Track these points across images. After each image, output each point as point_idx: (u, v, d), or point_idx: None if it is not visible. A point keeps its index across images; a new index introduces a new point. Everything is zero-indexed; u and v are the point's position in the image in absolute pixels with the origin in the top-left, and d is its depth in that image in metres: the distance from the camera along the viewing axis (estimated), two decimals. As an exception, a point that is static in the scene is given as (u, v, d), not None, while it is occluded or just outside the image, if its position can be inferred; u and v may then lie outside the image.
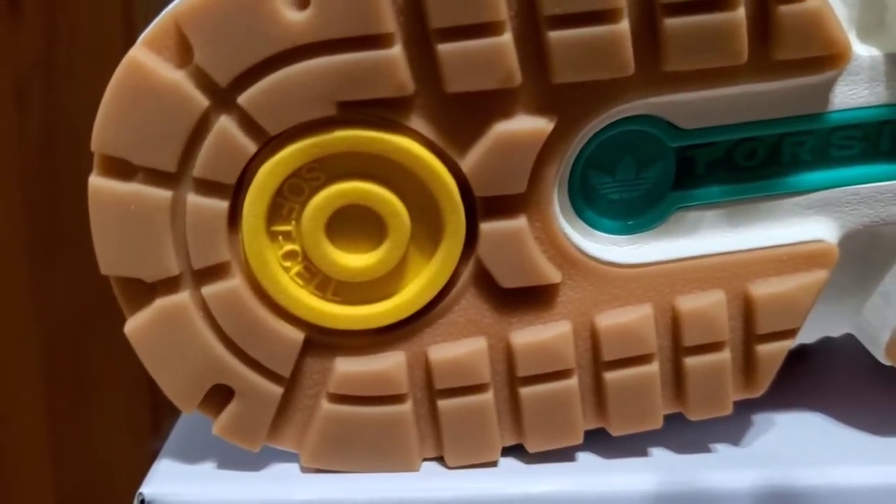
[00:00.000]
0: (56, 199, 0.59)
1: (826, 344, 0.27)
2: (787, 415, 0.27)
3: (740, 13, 0.21)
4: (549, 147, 0.22)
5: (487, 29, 0.21)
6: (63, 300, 0.59)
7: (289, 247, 0.23)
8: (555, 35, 0.21)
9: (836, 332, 0.26)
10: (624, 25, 0.21)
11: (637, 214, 0.24)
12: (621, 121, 0.23)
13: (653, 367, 0.24)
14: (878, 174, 0.24)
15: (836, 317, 0.26)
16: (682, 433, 0.25)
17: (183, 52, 0.21)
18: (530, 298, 0.23)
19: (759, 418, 0.27)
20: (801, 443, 0.25)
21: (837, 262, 0.24)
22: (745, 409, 0.26)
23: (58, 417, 0.61)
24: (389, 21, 0.21)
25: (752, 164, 0.24)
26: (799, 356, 0.27)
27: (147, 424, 0.59)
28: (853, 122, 0.23)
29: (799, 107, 0.23)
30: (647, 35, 0.21)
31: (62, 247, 0.60)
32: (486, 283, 0.23)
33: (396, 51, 0.21)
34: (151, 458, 0.25)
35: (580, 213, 0.24)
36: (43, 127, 0.59)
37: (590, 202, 0.24)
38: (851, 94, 0.23)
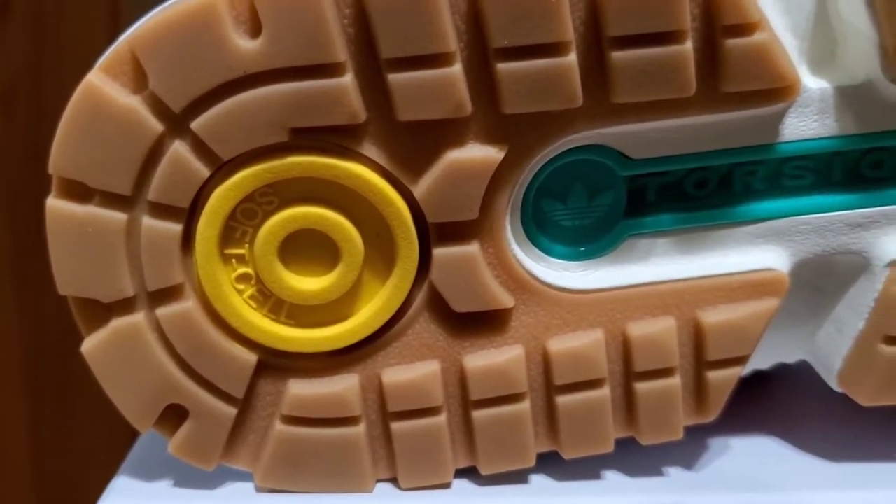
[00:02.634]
0: (42, 206, 0.59)
1: (785, 369, 0.28)
2: (742, 439, 0.27)
3: (687, 47, 0.21)
4: (501, 175, 0.22)
5: (437, 60, 0.21)
6: (47, 308, 0.59)
7: (242, 270, 0.23)
8: (504, 67, 0.21)
9: (790, 358, 0.27)
10: (572, 58, 0.21)
11: (589, 241, 0.24)
12: (573, 150, 0.23)
13: (604, 392, 0.24)
14: (829, 204, 0.24)
15: (791, 344, 0.26)
16: (636, 457, 0.25)
17: (138, 78, 0.21)
18: (484, 322, 0.24)
19: (714, 442, 0.27)
20: (754, 468, 0.26)
21: (790, 290, 0.25)
22: (700, 433, 0.26)
23: (40, 426, 0.61)
24: (341, 50, 0.21)
25: (704, 192, 0.24)
26: (758, 380, 0.28)
27: (128, 434, 0.59)
28: (804, 153, 0.24)
29: (749, 138, 0.23)
30: (596, 67, 0.21)
31: (47, 254, 0.60)
32: (439, 307, 0.23)
33: (348, 79, 0.21)
34: None
35: (533, 240, 0.24)
36: (29, 133, 0.59)
37: (543, 229, 0.24)
38: (802, 125, 0.23)
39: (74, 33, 0.58)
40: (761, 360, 0.27)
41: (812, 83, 0.23)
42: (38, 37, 0.58)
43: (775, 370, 0.28)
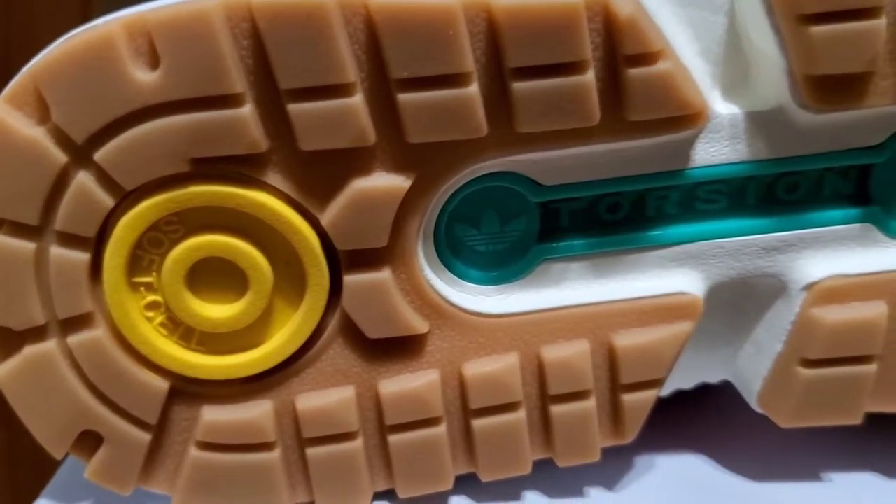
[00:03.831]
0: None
1: (710, 387, 0.28)
2: (666, 458, 0.27)
3: (589, 76, 0.21)
4: (410, 202, 0.22)
5: (337, 90, 0.21)
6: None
7: (151, 297, 0.23)
8: (405, 97, 0.21)
9: (713, 378, 0.27)
10: (473, 89, 0.21)
11: (503, 266, 0.24)
12: (483, 177, 0.23)
13: (519, 415, 0.24)
14: (743, 228, 0.24)
15: (712, 364, 0.26)
16: (556, 477, 0.26)
17: (42, 109, 0.21)
18: (398, 348, 0.24)
19: (639, 461, 0.27)
20: (679, 487, 0.26)
21: (709, 312, 0.25)
22: (626, 453, 0.26)
23: (12, 425, 0.61)
24: (238, 81, 0.21)
25: (616, 217, 0.24)
26: (684, 400, 0.28)
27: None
28: (716, 177, 0.24)
29: (660, 163, 0.23)
30: (499, 97, 0.22)
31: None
32: (353, 333, 0.23)
33: (247, 110, 0.21)
34: None
35: (448, 265, 0.24)
36: None
37: (457, 254, 0.24)
38: (713, 150, 0.23)
39: (45, 29, 0.58)
40: (684, 380, 0.27)
41: (723, 109, 0.23)
42: (8, 32, 0.58)
43: (700, 389, 0.28)
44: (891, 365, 0.25)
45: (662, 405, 0.26)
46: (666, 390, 0.27)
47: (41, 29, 0.59)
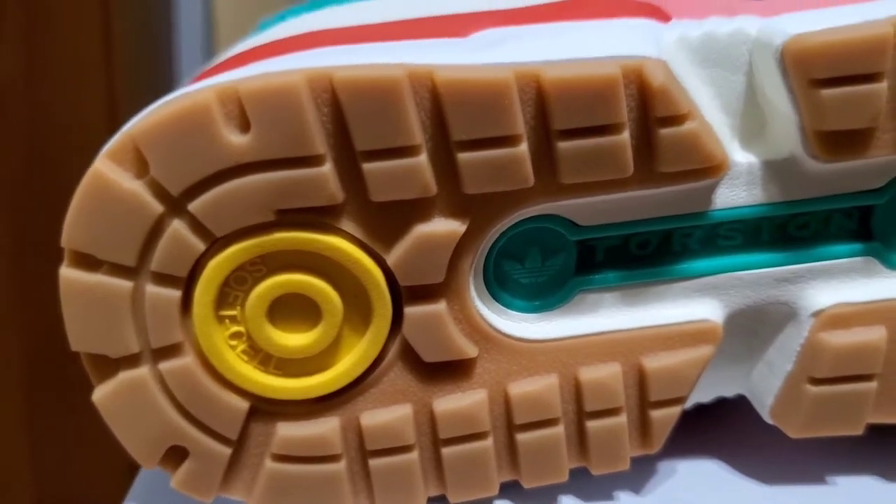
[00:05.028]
0: (39, 207, 0.61)
1: (727, 401, 0.31)
2: (688, 463, 0.30)
3: (625, 136, 0.24)
4: (464, 243, 0.25)
5: (405, 151, 0.24)
6: (46, 309, 0.61)
7: (235, 328, 0.26)
8: (464, 156, 0.24)
9: (729, 393, 0.30)
10: (523, 148, 0.24)
11: (544, 296, 0.27)
12: (528, 219, 0.26)
13: (558, 430, 0.27)
14: (759, 262, 0.27)
15: (729, 381, 0.29)
16: (590, 484, 0.29)
17: (140, 164, 0.24)
18: (451, 370, 0.27)
19: (663, 466, 0.30)
20: (698, 490, 0.29)
21: (727, 335, 0.28)
22: (651, 461, 0.29)
23: (38, 425, 0.63)
24: (320, 144, 0.24)
25: (646, 252, 0.27)
26: (702, 412, 0.31)
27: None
28: (734, 218, 0.27)
29: (685, 206, 0.26)
30: (545, 154, 0.24)
31: (45, 253, 0.62)
32: (411, 357, 0.26)
33: (327, 168, 0.24)
34: (128, 464, 0.28)
35: (495, 296, 0.27)
36: (24, 134, 0.61)
37: (503, 286, 0.27)
38: (732, 195, 0.26)
39: (66, 36, 0.60)
40: (703, 395, 0.30)
41: (741, 157, 0.26)
42: (31, 40, 0.60)
43: (718, 402, 0.31)
44: (890, 382, 0.28)
45: (684, 417, 0.29)
46: (687, 404, 0.30)
47: (60, 31, 0.61)
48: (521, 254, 0.26)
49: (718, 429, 0.32)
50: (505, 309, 0.27)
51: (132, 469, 0.28)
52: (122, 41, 0.65)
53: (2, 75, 0.59)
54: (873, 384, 0.27)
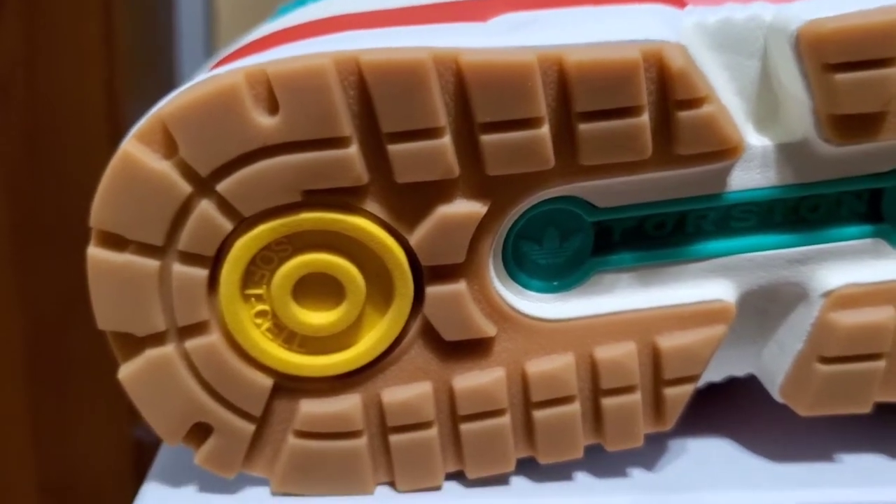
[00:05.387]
0: (39, 195, 0.62)
1: (737, 380, 0.32)
2: (699, 441, 0.31)
3: (644, 118, 0.25)
4: (484, 224, 0.26)
5: (430, 133, 0.24)
6: (45, 293, 0.62)
7: (260, 307, 0.26)
8: (487, 138, 0.25)
9: (740, 372, 0.31)
10: (545, 130, 0.25)
11: (562, 277, 0.28)
12: (546, 201, 0.27)
13: (574, 407, 0.28)
14: (772, 243, 0.28)
15: (740, 360, 0.30)
16: (603, 460, 0.29)
17: (169, 145, 0.25)
18: (470, 349, 0.27)
19: (675, 444, 0.31)
20: (708, 467, 0.30)
21: (739, 316, 0.28)
22: (665, 438, 0.30)
23: (40, 406, 0.64)
24: (346, 126, 0.24)
25: (661, 234, 0.28)
26: (714, 391, 0.31)
27: (126, 412, 0.62)
28: (748, 200, 0.27)
29: (700, 188, 0.27)
30: (566, 136, 0.25)
31: (45, 240, 0.63)
32: (431, 336, 0.27)
33: (353, 150, 0.25)
34: (131, 444, 0.29)
35: (513, 276, 0.28)
36: (26, 124, 0.62)
37: (521, 266, 0.28)
38: (746, 177, 0.27)
39: (67, 25, 0.60)
40: (714, 374, 0.30)
41: (755, 140, 0.27)
42: (32, 29, 0.60)
43: (729, 382, 0.31)
44: (894, 361, 0.28)
45: (696, 396, 0.29)
46: (700, 383, 0.30)
47: (60, 19, 0.61)
48: (540, 235, 0.27)
49: (729, 408, 0.32)
50: (523, 289, 0.27)
51: (135, 451, 0.28)
52: (123, 30, 0.65)
53: (2, 64, 0.59)
54: (881, 363, 0.28)
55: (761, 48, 0.26)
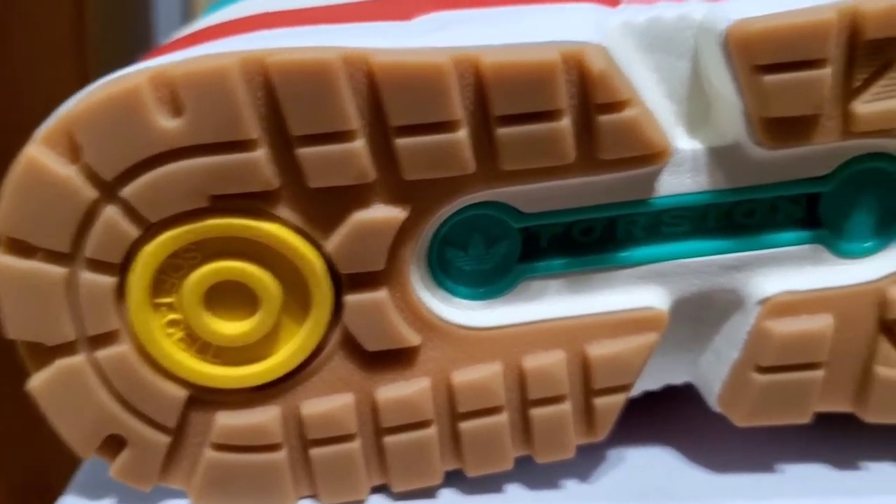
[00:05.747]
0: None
1: (675, 388, 0.31)
2: (637, 451, 0.30)
3: (565, 122, 0.24)
4: (405, 230, 0.25)
5: (341, 136, 0.23)
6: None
7: (171, 316, 0.26)
8: (402, 142, 0.24)
9: (677, 380, 0.30)
10: (462, 133, 0.24)
11: (489, 283, 0.27)
12: (470, 206, 0.26)
13: (502, 418, 0.27)
14: (705, 249, 0.27)
15: (677, 368, 0.29)
16: (537, 472, 0.28)
17: (74, 149, 0.24)
18: (394, 358, 0.26)
19: (611, 454, 0.30)
20: (645, 478, 0.29)
21: (675, 323, 0.27)
22: (600, 448, 0.29)
23: (6, 406, 0.63)
24: (254, 128, 0.23)
25: (590, 239, 0.27)
26: (652, 399, 0.31)
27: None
28: (679, 205, 0.26)
29: (628, 193, 0.26)
30: (486, 140, 0.24)
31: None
32: (353, 346, 0.26)
33: (261, 153, 0.24)
34: None
35: (439, 283, 0.27)
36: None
37: (447, 273, 0.27)
38: (676, 182, 0.26)
39: (39, 18, 0.60)
40: (650, 382, 0.30)
41: (686, 144, 0.26)
42: (3, 22, 0.59)
43: (667, 390, 0.30)
44: (837, 371, 0.28)
45: (632, 405, 0.28)
46: (634, 392, 0.29)
47: (30, 12, 0.60)
48: (465, 241, 0.26)
49: (668, 416, 0.31)
50: (449, 296, 0.27)
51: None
52: (95, 25, 0.64)
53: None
54: (820, 372, 0.27)
55: (692, 48, 0.25)
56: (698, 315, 0.28)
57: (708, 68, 0.25)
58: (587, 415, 0.27)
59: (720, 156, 0.26)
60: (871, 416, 0.28)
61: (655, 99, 0.26)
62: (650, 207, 0.26)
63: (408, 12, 0.26)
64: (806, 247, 0.27)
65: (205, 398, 0.26)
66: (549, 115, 0.23)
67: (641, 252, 0.27)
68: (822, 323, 0.27)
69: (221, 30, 0.26)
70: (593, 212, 0.26)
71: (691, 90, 0.26)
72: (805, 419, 0.28)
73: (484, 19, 0.25)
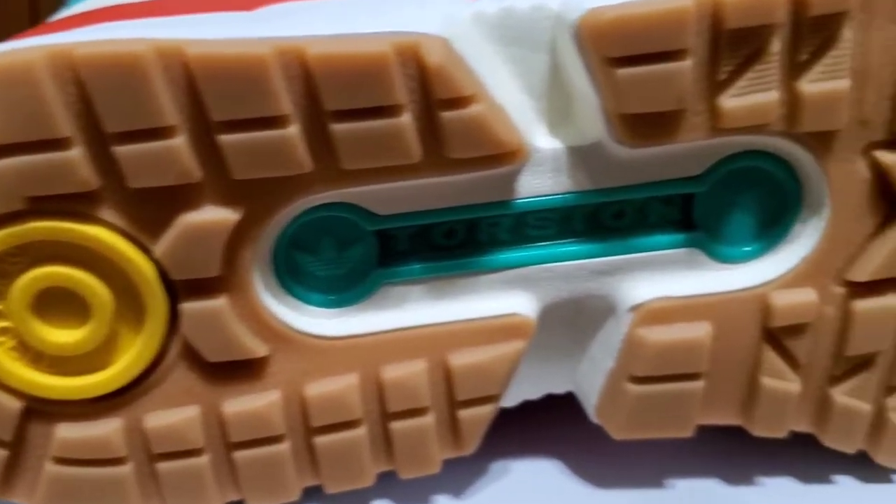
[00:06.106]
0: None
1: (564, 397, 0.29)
2: (519, 462, 0.29)
3: (405, 119, 0.22)
4: (241, 233, 0.24)
5: (158, 133, 0.22)
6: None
7: (2, 324, 0.24)
8: (225, 138, 0.22)
9: (558, 389, 0.28)
10: (293, 130, 0.22)
11: (344, 290, 0.25)
12: (318, 207, 0.24)
13: (359, 432, 0.25)
14: (572, 253, 0.25)
15: (556, 376, 0.28)
16: (408, 486, 0.27)
17: None
18: (242, 370, 0.25)
19: (494, 466, 0.29)
20: (522, 491, 0.28)
21: (550, 329, 0.26)
22: (478, 459, 0.28)
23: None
24: (66, 126, 0.22)
25: (452, 243, 0.25)
26: (536, 408, 0.29)
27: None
28: (540, 207, 0.25)
29: (488, 194, 0.24)
30: (322, 137, 0.23)
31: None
32: (195, 356, 0.25)
33: (76, 152, 0.22)
34: None
35: (289, 289, 0.25)
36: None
37: (298, 279, 0.25)
38: (536, 183, 0.25)
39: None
40: (530, 392, 0.28)
41: (546, 143, 0.24)
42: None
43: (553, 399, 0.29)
44: (720, 382, 0.26)
45: (513, 414, 0.27)
46: (513, 401, 0.28)
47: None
48: (314, 244, 0.25)
49: (551, 427, 0.30)
50: (300, 304, 0.25)
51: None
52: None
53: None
54: (699, 384, 0.26)
55: (550, 41, 0.24)
56: (573, 321, 0.26)
57: (565, 62, 0.24)
58: (452, 428, 0.26)
59: (582, 155, 0.24)
60: (759, 430, 0.27)
61: (513, 95, 0.24)
62: (511, 209, 0.25)
63: (253, 2, 0.24)
64: (681, 251, 0.25)
65: (43, 410, 0.25)
66: (387, 110, 0.22)
67: (506, 256, 0.25)
68: (699, 331, 0.25)
69: (69, 22, 0.25)
70: (452, 214, 0.24)
71: (552, 85, 0.24)
72: (687, 433, 0.26)
73: (330, 8, 0.24)
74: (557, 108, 0.24)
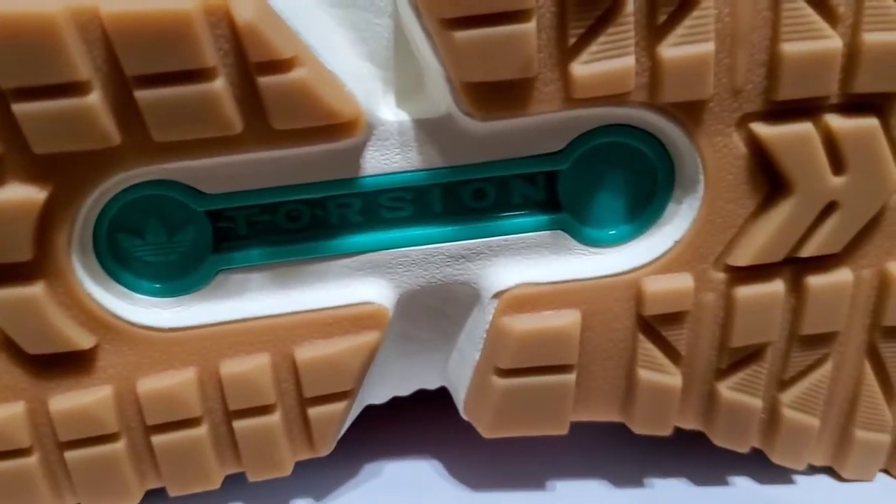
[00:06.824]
0: None
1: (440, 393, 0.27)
2: (394, 463, 0.27)
3: (218, 84, 0.20)
4: (52, 214, 0.21)
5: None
6: None
7: None
8: (20, 107, 0.20)
9: (430, 385, 0.26)
10: (93, 98, 0.20)
11: (177, 277, 0.23)
12: (140, 185, 0.22)
13: (200, 431, 0.23)
14: (428, 236, 0.23)
15: (426, 371, 0.26)
16: (275, 487, 0.25)
17: None
18: (68, 363, 0.23)
19: (368, 468, 0.27)
20: (395, 492, 0.26)
21: (414, 319, 0.24)
22: (351, 459, 0.27)
23: None
24: None
25: (297, 226, 0.23)
26: (414, 402, 0.27)
27: None
28: (389, 186, 0.23)
29: (330, 172, 0.22)
30: (128, 106, 0.20)
31: None
32: (15, 348, 0.23)
33: None
34: None
35: (116, 277, 0.23)
36: None
37: (125, 265, 0.23)
38: (384, 159, 0.22)
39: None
40: (399, 388, 0.26)
41: (391, 116, 0.22)
42: None
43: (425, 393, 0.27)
44: (592, 374, 0.24)
45: (386, 411, 0.26)
46: (381, 399, 0.26)
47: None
48: (140, 226, 0.22)
49: (427, 424, 0.28)
50: (129, 292, 0.23)
51: None
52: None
53: None
54: (570, 376, 0.24)
55: (390, 3, 0.22)
56: (440, 309, 0.24)
57: (408, 26, 0.22)
58: (304, 427, 0.23)
59: (431, 129, 0.22)
60: (641, 427, 0.25)
61: (354, 62, 0.22)
62: (357, 188, 0.22)
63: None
64: (546, 233, 0.23)
65: None
66: (196, 74, 0.20)
67: (356, 240, 0.23)
68: (567, 319, 0.23)
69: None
70: (289, 193, 0.22)
71: (399, 53, 0.22)
72: (562, 430, 0.24)
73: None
74: (406, 80, 0.22)
